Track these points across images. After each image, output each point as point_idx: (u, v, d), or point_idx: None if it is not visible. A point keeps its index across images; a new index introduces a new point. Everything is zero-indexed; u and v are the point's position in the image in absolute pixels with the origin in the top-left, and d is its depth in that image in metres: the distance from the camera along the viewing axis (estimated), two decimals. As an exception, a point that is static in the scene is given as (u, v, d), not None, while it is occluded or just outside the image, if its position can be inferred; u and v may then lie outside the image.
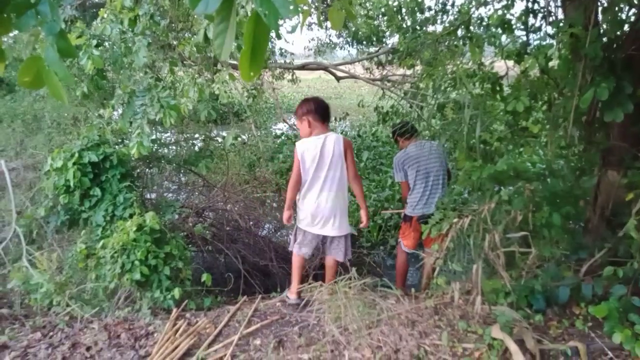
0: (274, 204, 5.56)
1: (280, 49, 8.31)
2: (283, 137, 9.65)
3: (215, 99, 3.69)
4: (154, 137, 3.96)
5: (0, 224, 4.18)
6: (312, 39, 9.33)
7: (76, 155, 3.51)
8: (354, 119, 11.95)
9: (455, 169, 3.82)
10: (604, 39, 2.69)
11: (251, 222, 5.35)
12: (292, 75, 7.82)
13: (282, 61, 7.97)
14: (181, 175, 5.96)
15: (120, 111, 3.63)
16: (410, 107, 5.10)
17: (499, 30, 3.55)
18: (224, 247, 4.63)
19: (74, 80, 3.64)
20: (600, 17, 2.78)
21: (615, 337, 2.25)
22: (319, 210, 3.25)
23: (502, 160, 2.90)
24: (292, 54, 8.47)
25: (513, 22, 3.43)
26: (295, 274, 3.42)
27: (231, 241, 4.83)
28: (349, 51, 8.52)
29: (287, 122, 8.09)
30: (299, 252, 3.40)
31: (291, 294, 3.35)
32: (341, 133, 10.72)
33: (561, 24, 2.87)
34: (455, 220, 2.83)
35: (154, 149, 4.39)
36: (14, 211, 3.86)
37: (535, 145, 3.23)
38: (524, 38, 3.38)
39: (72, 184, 3.48)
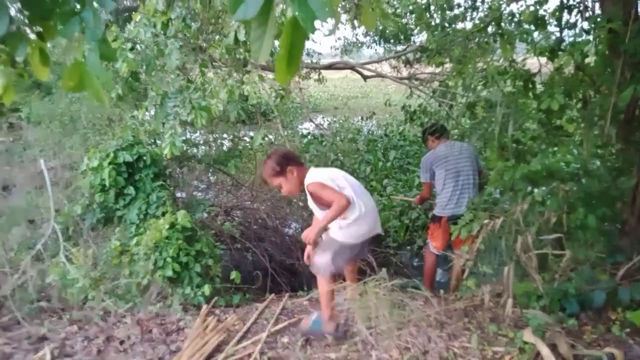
0: (300, 203, 5.57)
1: (308, 48, 8.32)
2: (309, 137, 9.68)
3: (245, 100, 3.74)
4: (185, 137, 4.05)
5: (40, 221, 4.35)
6: (339, 38, 9.28)
7: (111, 155, 3.63)
8: (381, 118, 11.88)
9: (487, 168, 3.75)
10: (645, 35, 2.60)
11: (278, 221, 5.39)
12: (319, 75, 7.80)
13: (309, 61, 7.98)
14: (210, 174, 6.06)
15: (153, 112, 3.72)
16: (439, 105, 5.04)
17: (532, 27, 3.47)
18: (252, 245, 4.69)
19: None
20: (640, 11, 2.68)
21: (655, 345, 2.18)
22: (373, 212, 2.82)
23: (535, 160, 2.84)
24: (319, 53, 8.47)
25: (546, 18, 3.34)
26: (327, 302, 2.75)
27: (258, 239, 4.89)
28: (375, 50, 8.45)
29: (313, 122, 8.11)
30: (335, 269, 2.77)
31: (329, 326, 2.74)
32: (367, 132, 10.68)
33: (598, 19, 2.77)
34: (487, 221, 2.78)
35: (184, 149, 4.48)
36: (52, 209, 4.01)
37: (570, 144, 3.13)
38: (558, 34, 3.29)
39: (107, 183, 3.60)
